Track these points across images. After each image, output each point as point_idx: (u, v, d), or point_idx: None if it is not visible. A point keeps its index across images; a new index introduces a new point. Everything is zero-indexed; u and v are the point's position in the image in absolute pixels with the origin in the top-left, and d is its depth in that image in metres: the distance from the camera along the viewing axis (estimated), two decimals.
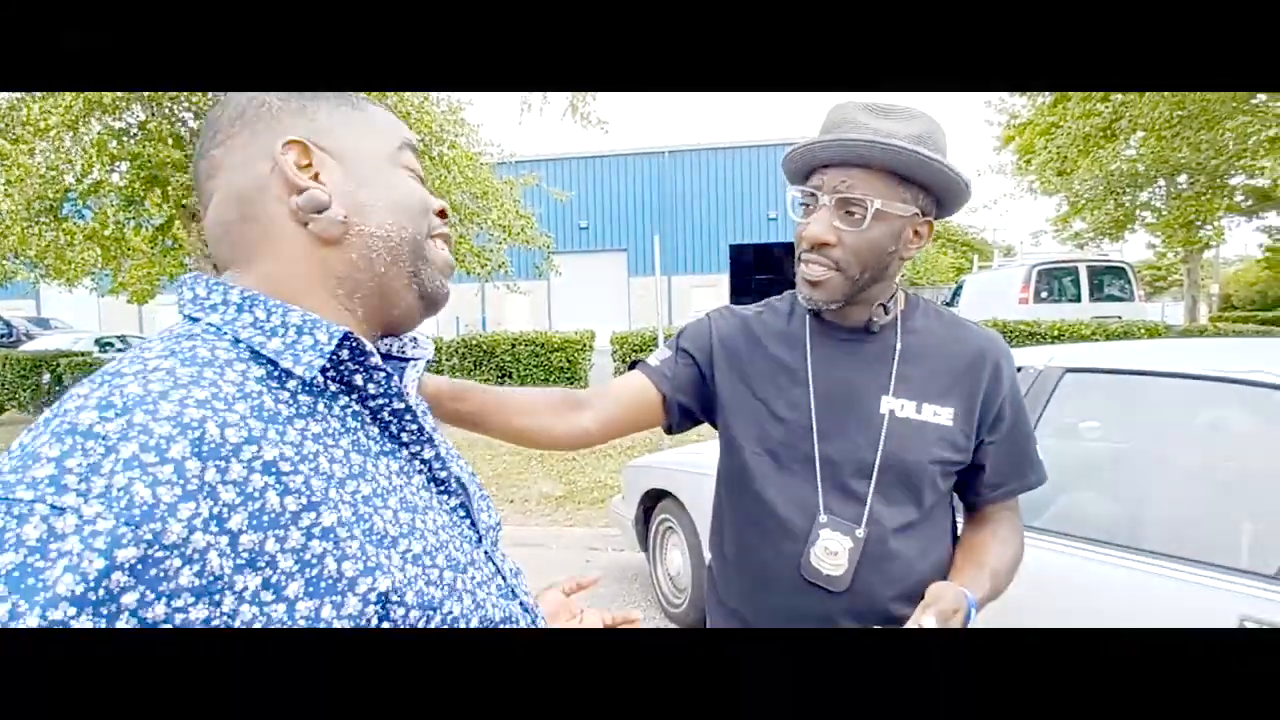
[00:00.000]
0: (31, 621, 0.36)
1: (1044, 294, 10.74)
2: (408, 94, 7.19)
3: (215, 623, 0.41)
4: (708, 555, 3.44)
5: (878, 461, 1.00)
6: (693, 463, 3.35)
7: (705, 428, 1.20)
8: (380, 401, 0.56)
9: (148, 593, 0.39)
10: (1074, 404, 2.20)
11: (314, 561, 0.45)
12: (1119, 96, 9.61)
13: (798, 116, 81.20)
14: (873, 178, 0.96)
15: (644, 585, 3.86)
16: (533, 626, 0.63)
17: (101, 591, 0.38)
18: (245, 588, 0.42)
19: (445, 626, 0.52)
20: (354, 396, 0.55)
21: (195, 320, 0.53)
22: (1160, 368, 2.04)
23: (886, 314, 1.06)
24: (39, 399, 9.94)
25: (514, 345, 9.95)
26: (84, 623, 0.37)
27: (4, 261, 9.44)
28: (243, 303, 0.53)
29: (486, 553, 0.61)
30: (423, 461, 0.59)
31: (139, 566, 0.39)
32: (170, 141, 7.21)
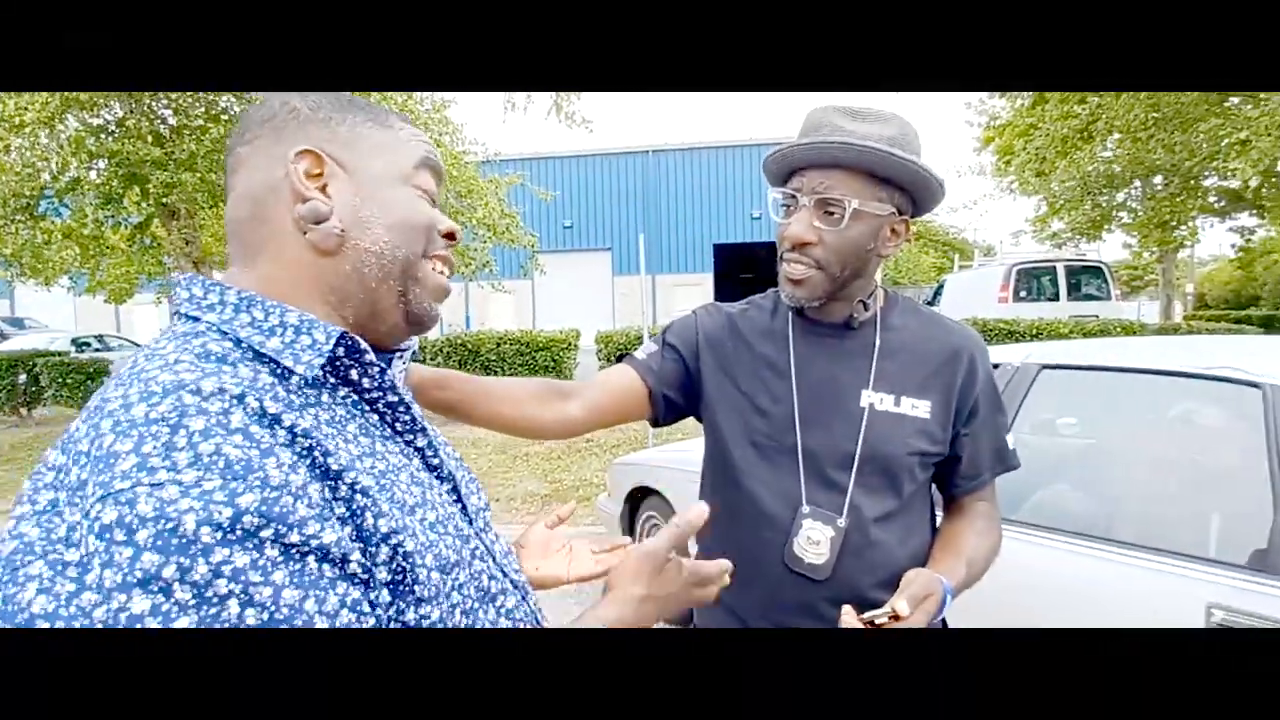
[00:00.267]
0: (202, 569, 0.41)
1: (1023, 293, 10.90)
2: (391, 93, 7.18)
3: (340, 543, 0.46)
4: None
5: (858, 453, 1.04)
6: (679, 460, 3.38)
7: (689, 425, 1.22)
8: (375, 394, 0.59)
9: (280, 526, 0.44)
10: (1050, 399, 2.25)
11: (359, 512, 0.50)
12: (1096, 99, 9.77)
13: (781, 117, 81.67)
14: (850, 178, 0.99)
15: None
16: (526, 601, 0.66)
17: (239, 531, 0.42)
18: (334, 523, 0.47)
19: (456, 590, 0.56)
20: (350, 389, 0.59)
21: (195, 319, 0.55)
22: (1132, 364, 2.10)
23: (866, 310, 1.09)
24: (14, 400, 9.77)
25: (499, 344, 9.93)
26: (243, 558, 0.42)
27: None
28: (240, 303, 0.55)
29: (478, 533, 0.64)
30: (416, 449, 0.62)
31: (263, 507, 0.43)
32: (150, 139, 7.13)
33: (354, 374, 0.58)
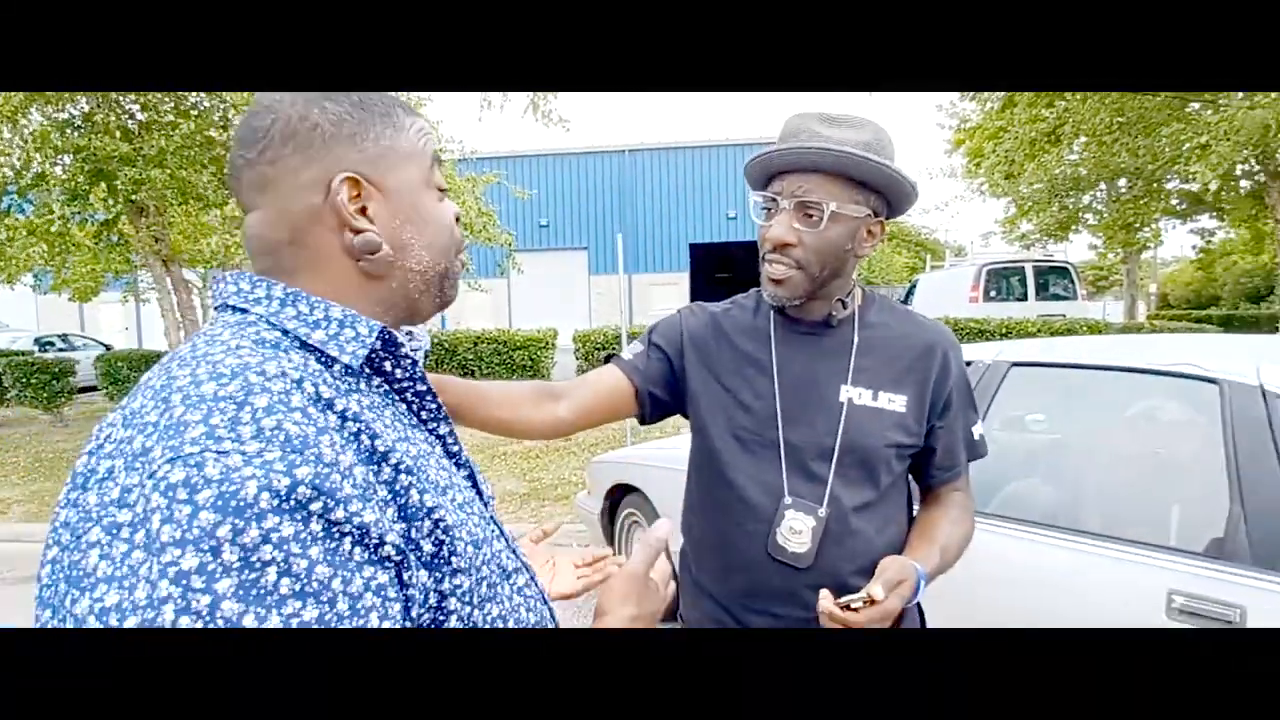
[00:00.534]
0: (253, 533, 0.43)
1: (993, 293, 11.12)
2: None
3: (380, 523, 0.49)
4: (673, 547, 3.49)
5: (837, 446, 1.08)
6: (658, 457, 3.41)
7: (668, 423, 1.26)
8: (406, 384, 0.63)
9: (328, 501, 0.47)
10: (1019, 396, 2.32)
11: (403, 491, 0.53)
12: (1063, 102, 9.98)
13: (757, 118, 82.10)
14: (827, 182, 1.04)
15: None
16: (534, 581, 0.70)
17: (293, 502, 0.45)
18: (375, 503, 0.50)
19: (485, 564, 0.60)
20: (383, 379, 0.62)
21: (243, 311, 0.59)
22: (1097, 361, 2.18)
23: (845, 309, 1.13)
24: None
25: (476, 344, 9.89)
26: (289, 529, 0.44)
27: None
28: (285, 297, 0.59)
29: (492, 517, 0.68)
30: (438, 436, 0.66)
31: (316, 480, 0.46)
32: (118, 134, 6.99)
33: (388, 365, 0.61)
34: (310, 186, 0.60)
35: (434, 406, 0.65)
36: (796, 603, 1.04)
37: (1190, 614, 1.59)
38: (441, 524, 0.55)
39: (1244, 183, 9.78)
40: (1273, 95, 6.64)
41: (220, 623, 0.42)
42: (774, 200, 1.07)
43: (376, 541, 0.49)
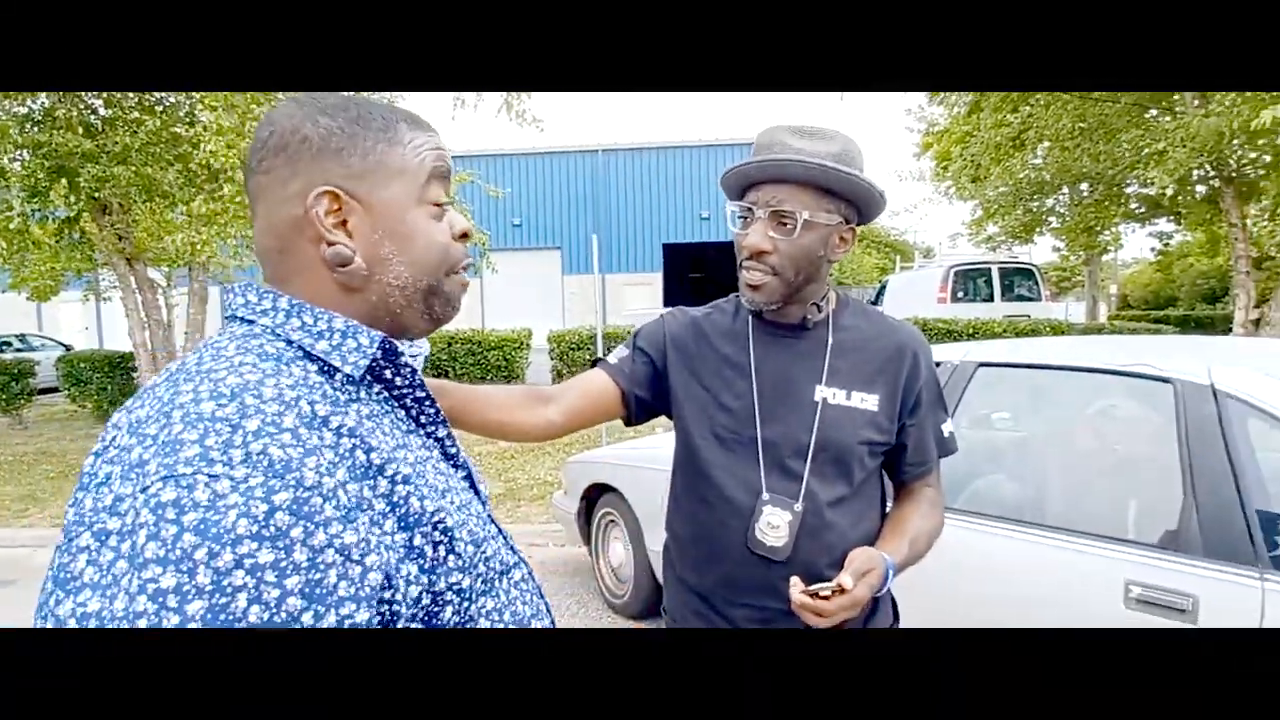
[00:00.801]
0: (227, 558, 0.45)
1: (960, 293, 11.35)
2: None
3: (359, 544, 0.50)
4: (649, 545, 3.50)
5: (812, 443, 1.12)
6: (633, 457, 3.44)
7: (645, 423, 1.30)
8: (404, 391, 0.65)
9: (308, 525, 0.48)
10: (986, 395, 2.40)
11: (401, 501, 0.56)
12: (1027, 108, 10.21)
13: (731, 119, 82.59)
14: (800, 192, 1.08)
15: (585, 579, 3.93)
16: (532, 577, 0.72)
17: (272, 529, 0.47)
18: (363, 522, 0.52)
19: (483, 562, 0.62)
20: (383, 386, 0.65)
21: (250, 322, 0.61)
22: (1059, 362, 2.26)
23: (819, 312, 1.18)
24: None
25: (450, 344, 9.82)
26: (267, 556, 0.46)
27: None
28: (290, 309, 0.61)
29: (490, 516, 0.71)
30: (437, 440, 0.68)
31: (294, 506, 0.48)
32: (80, 130, 6.82)
33: (388, 373, 0.64)
34: (294, 198, 0.62)
35: (433, 411, 0.67)
36: (775, 594, 1.08)
37: (1147, 603, 1.67)
38: (441, 526, 0.57)
39: (1199, 187, 10.09)
40: (1228, 103, 6.87)
41: None
42: (750, 210, 1.12)
43: (360, 568, 0.50)
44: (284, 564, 0.47)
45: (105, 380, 9.01)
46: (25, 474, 6.71)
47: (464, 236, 0.70)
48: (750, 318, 1.21)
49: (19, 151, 6.98)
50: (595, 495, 3.64)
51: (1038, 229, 13.58)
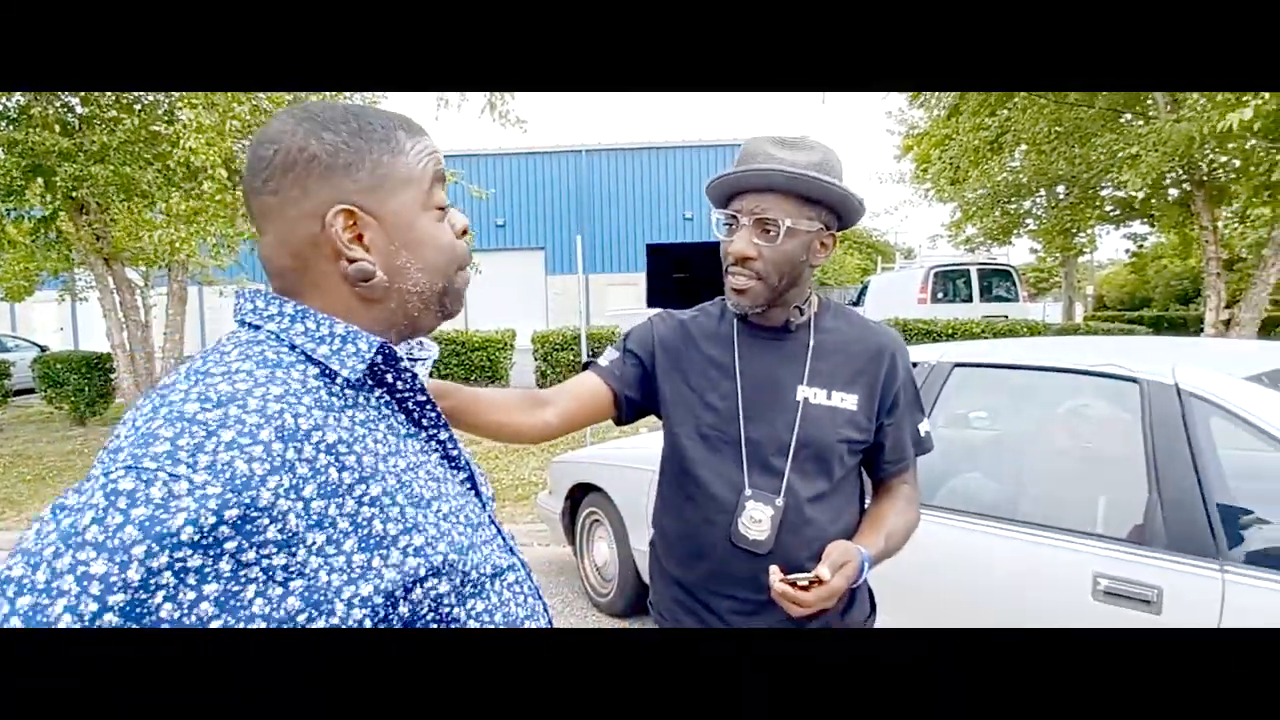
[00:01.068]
0: (162, 559, 0.46)
1: (940, 294, 11.50)
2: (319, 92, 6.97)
3: (291, 568, 0.52)
4: (634, 543, 3.52)
5: (794, 441, 1.17)
6: (618, 456, 3.47)
7: (633, 423, 1.34)
8: (406, 394, 0.67)
9: (244, 542, 0.50)
10: (962, 395, 2.46)
11: (364, 523, 0.57)
12: (1005, 112, 10.37)
13: (715, 120, 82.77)
14: (783, 200, 1.13)
15: (570, 578, 3.96)
16: (530, 578, 0.74)
17: (211, 539, 0.48)
18: (314, 542, 0.53)
19: (468, 570, 0.63)
20: (384, 390, 0.67)
21: (256, 328, 0.63)
22: (1031, 362, 2.33)
23: (802, 315, 1.23)
24: None
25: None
26: (197, 561, 0.48)
27: None
28: (296, 314, 0.63)
29: (490, 519, 0.73)
30: (438, 442, 0.70)
31: (239, 522, 0.49)
32: (56, 129, 6.73)
33: (389, 378, 0.66)
34: (308, 216, 0.63)
35: (434, 415, 0.69)
36: (757, 586, 1.13)
37: (1113, 595, 1.73)
38: (410, 547, 0.58)
39: (1172, 191, 10.30)
40: (1198, 108, 7.03)
41: (95, 625, 0.45)
42: (735, 217, 1.16)
43: (282, 591, 0.51)
44: (208, 570, 0.48)
45: (82, 382, 8.89)
46: (0, 477, 6.61)
47: (464, 232, 0.72)
48: (735, 320, 1.25)
49: None
50: (580, 495, 3.67)
51: (1015, 231, 13.78)
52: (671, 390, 1.25)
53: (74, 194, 6.90)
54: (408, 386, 0.67)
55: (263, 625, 0.50)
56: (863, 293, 13.46)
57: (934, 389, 2.34)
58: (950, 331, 8.70)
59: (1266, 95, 5.53)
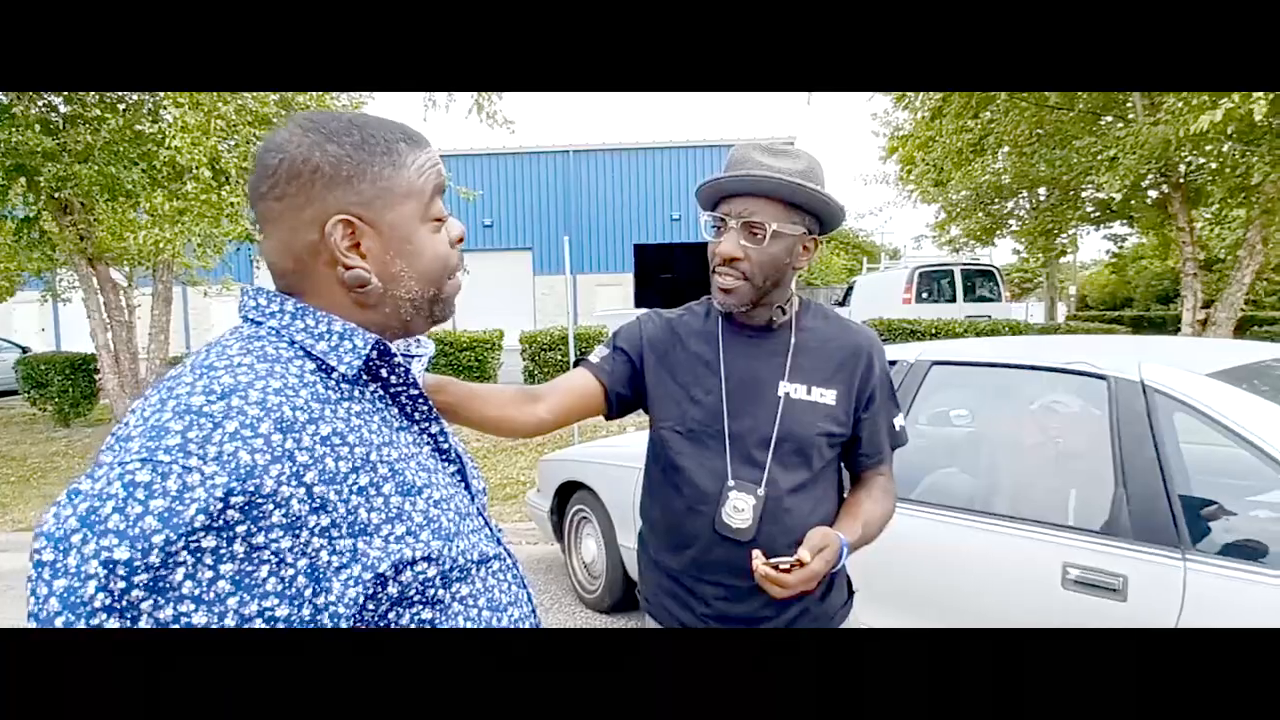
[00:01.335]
0: (179, 544, 0.51)
1: (924, 294, 11.64)
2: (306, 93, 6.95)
3: (296, 549, 0.56)
4: (621, 541, 3.58)
5: (775, 434, 1.23)
6: (605, 455, 3.52)
7: (615, 422, 1.39)
8: (399, 389, 0.71)
9: (252, 526, 0.54)
10: (939, 392, 2.54)
11: (351, 512, 0.60)
12: (987, 114, 10.50)
13: (701, 121, 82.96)
14: (769, 205, 1.19)
15: (558, 575, 4.01)
16: (515, 568, 0.78)
17: (222, 522, 0.52)
18: (317, 524, 0.57)
19: (455, 556, 0.67)
20: (379, 384, 0.71)
21: (259, 324, 0.67)
22: (1005, 360, 2.41)
23: (784, 315, 1.29)
24: None
25: None
26: (211, 542, 0.52)
27: None
28: (296, 312, 0.67)
29: (479, 510, 0.77)
30: (430, 436, 0.74)
31: (246, 507, 0.53)
32: (39, 128, 6.67)
33: (384, 372, 0.70)
34: (310, 224, 0.66)
35: (426, 408, 0.73)
36: (741, 572, 1.18)
37: (1082, 584, 1.81)
38: (392, 536, 0.62)
39: (1150, 192, 10.47)
40: (1174, 111, 7.16)
41: (124, 603, 0.49)
42: (723, 220, 1.22)
43: (292, 571, 0.55)
44: (223, 551, 0.52)
45: (66, 383, 8.83)
46: None
47: (459, 240, 0.76)
48: (720, 319, 1.31)
49: None
50: (568, 493, 3.71)
51: (998, 232, 13.93)
52: (659, 386, 1.31)
53: (57, 194, 6.84)
54: (401, 381, 0.70)
55: (274, 603, 0.54)
56: (848, 293, 13.58)
57: (912, 388, 2.41)
58: (934, 331, 8.80)
59: (1236, 97, 5.64)
